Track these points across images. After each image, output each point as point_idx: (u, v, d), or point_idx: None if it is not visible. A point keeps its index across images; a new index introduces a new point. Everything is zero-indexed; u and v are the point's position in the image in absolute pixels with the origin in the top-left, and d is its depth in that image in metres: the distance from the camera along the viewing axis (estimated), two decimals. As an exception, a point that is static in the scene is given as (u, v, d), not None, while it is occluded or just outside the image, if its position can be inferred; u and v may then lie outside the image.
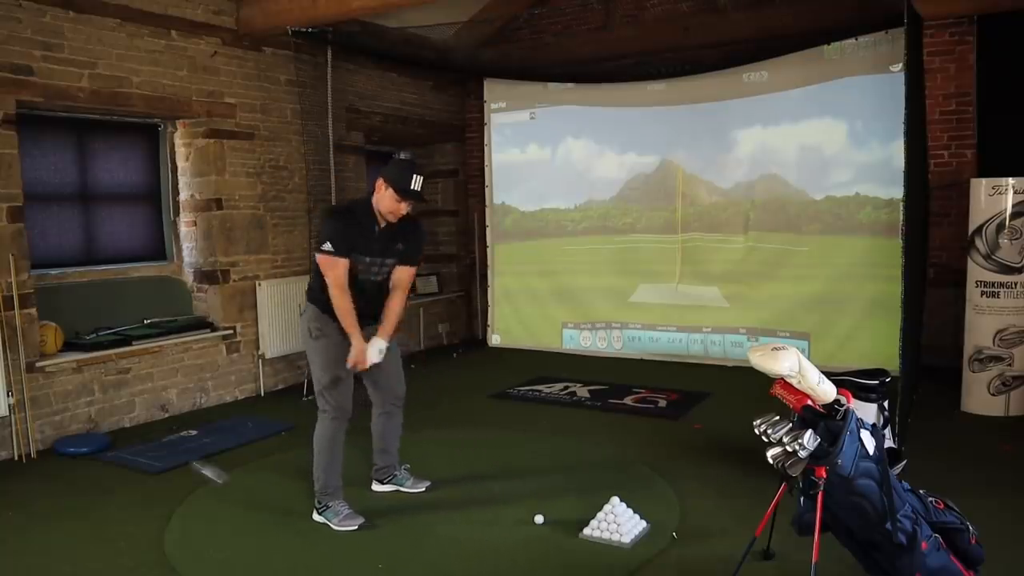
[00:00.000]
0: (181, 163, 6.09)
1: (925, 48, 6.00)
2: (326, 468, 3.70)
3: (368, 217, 3.66)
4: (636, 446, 4.80)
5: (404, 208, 3.63)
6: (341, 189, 6.78)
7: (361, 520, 3.63)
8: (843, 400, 2.63)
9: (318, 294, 3.69)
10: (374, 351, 3.69)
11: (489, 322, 8.34)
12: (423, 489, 4.08)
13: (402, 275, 3.81)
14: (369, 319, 3.72)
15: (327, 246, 3.55)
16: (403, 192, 3.56)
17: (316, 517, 3.70)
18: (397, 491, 4.07)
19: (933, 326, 6.11)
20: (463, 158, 8.75)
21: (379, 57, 7.25)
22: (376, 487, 4.09)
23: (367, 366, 3.68)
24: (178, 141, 6.08)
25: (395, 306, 3.79)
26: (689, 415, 5.52)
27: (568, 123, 7.79)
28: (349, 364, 3.64)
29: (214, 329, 6.07)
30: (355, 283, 3.65)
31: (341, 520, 3.62)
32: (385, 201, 3.60)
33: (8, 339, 4.73)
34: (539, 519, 3.62)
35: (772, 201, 6.92)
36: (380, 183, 3.61)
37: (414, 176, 3.57)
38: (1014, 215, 5.13)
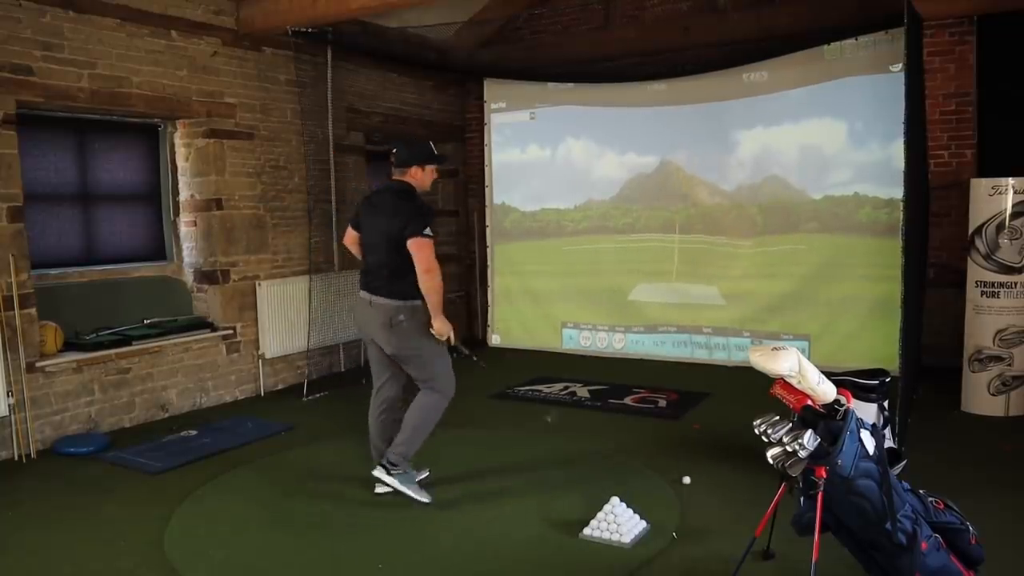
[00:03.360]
0: (181, 163, 6.09)
1: (925, 48, 6.00)
2: (422, 439, 3.98)
3: None
4: (636, 446, 4.80)
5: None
6: (341, 189, 6.79)
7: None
8: (843, 400, 2.62)
9: (414, 288, 3.85)
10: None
11: (489, 322, 8.34)
12: (427, 473, 4.22)
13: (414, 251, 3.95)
14: None
15: (429, 231, 3.86)
16: (439, 161, 4.14)
17: (384, 477, 3.88)
18: (397, 490, 4.03)
19: (933, 326, 6.11)
20: (463, 158, 8.75)
21: (379, 57, 7.25)
22: (379, 488, 4.04)
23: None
24: (178, 141, 6.08)
25: (424, 284, 3.91)
26: (689, 415, 5.52)
27: (568, 123, 7.79)
28: (444, 338, 3.91)
29: (214, 329, 6.07)
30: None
31: (419, 486, 3.86)
32: (428, 179, 4.09)
33: (8, 339, 4.73)
34: (686, 480, 4.05)
35: (777, 205, 6.91)
36: (416, 169, 4.00)
37: (431, 145, 4.10)
38: (1014, 215, 5.13)
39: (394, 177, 4.05)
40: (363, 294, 4.01)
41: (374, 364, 4.14)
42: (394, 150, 4.05)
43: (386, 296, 3.91)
